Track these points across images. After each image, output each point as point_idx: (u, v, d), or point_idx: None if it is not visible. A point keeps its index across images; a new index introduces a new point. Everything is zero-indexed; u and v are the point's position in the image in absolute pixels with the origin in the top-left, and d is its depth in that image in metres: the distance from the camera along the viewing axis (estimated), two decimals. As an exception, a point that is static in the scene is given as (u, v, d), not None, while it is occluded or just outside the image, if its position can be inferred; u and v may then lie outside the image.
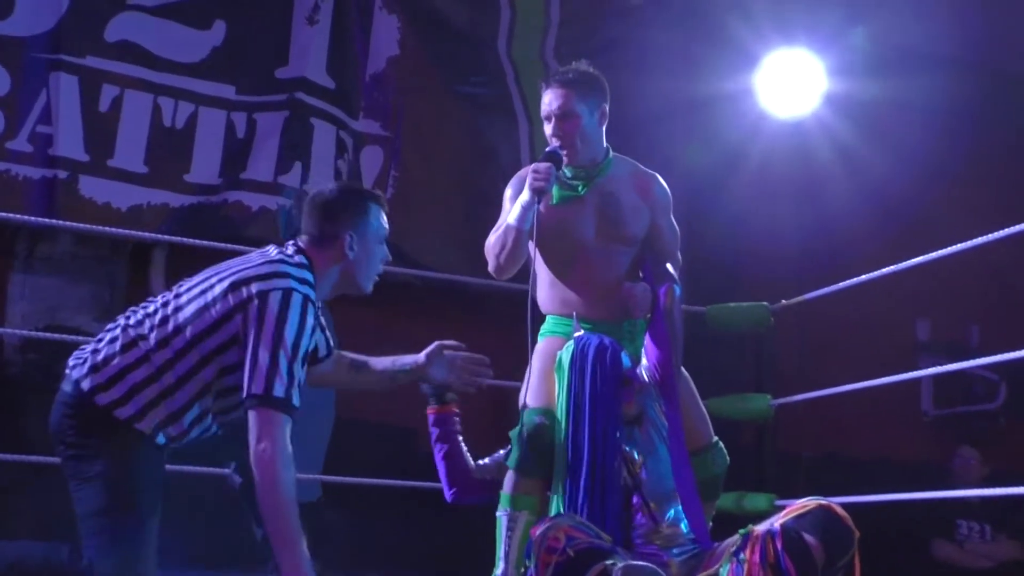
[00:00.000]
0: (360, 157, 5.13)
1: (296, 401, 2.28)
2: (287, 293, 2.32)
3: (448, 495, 2.77)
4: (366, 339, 5.39)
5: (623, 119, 5.14)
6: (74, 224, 4.33)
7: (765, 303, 4.47)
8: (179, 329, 2.31)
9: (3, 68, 4.59)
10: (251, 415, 2.26)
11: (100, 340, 2.37)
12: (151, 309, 2.38)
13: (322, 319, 2.52)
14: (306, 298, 2.34)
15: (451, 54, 5.27)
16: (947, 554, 5.30)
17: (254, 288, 2.32)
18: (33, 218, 4.29)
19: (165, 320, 2.34)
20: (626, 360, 2.71)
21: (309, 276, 2.42)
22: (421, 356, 2.76)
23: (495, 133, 5.27)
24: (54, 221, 4.36)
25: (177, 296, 2.38)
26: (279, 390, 2.25)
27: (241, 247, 3.39)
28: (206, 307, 2.32)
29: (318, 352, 2.53)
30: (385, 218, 2.58)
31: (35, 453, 3.49)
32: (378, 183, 5.13)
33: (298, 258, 2.44)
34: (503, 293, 4.42)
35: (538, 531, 2.39)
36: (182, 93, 4.79)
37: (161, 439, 2.34)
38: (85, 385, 2.30)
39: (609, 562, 2.27)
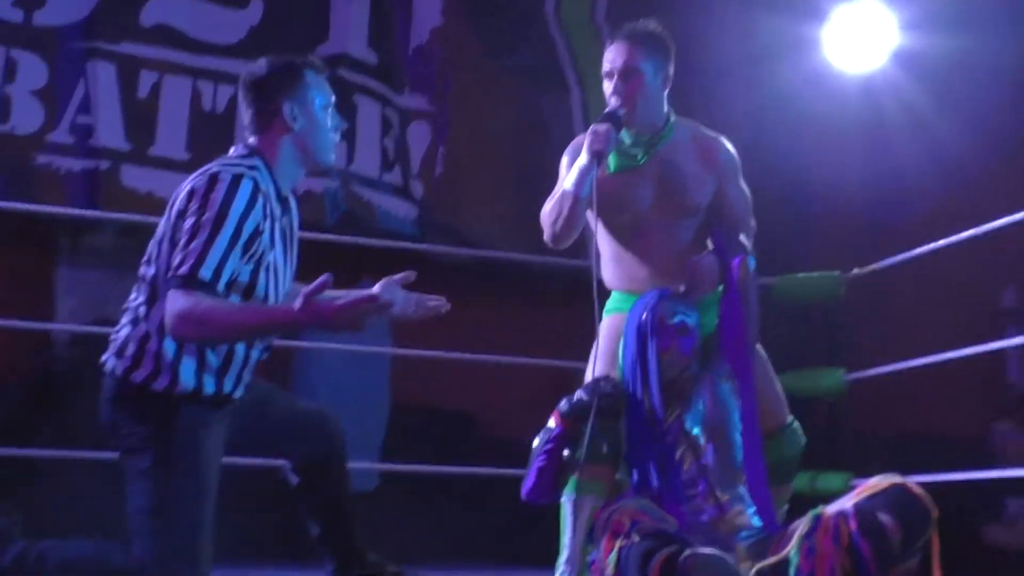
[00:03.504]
0: (407, 135, 5.09)
1: (222, 287, 2.24)
2: (237, 176, 2.30)
3: (525, 495, 2.72)
4: (426, 322, 5.44)
5: (681, 75, 5.15)
6: (117, 215, 4.36)
7: (837, 272, 4.36)
8: (155, 276, 2.32)
9: (40, 59, 4.63)
10: (170, 295, 2.22)
11: (119, 328, 2.40)
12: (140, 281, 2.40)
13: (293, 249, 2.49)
14: (255, 184, 2.31)
15: (497, 24, 5.24)
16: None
17: (199, 179, 2.32)
18: (75, 210, 4.33)
19: (143, 277, 2.37)
20: (685, 315, 2.64)
21: (257, 162, 2.39)
22: (376, 287, 2.61)
23: (545, 104, 5.22)
24: (97, 213, 4.39)
25: (147, 256, 2.39)
26: (206, 272, 2.21)
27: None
28: (162, 238, 2.34)
29: (261, 245, 2.35)
30: (325, 82, 2.53)
31: (86, 449, 3.52)
32: (426, 162, 5.12)
33: (238, 151, 2.43)
34: (560, 270, 4.39)
35: (602, 515, 2.35)
36: (221, 76, 4.81)
37: (209, 386, 2.33)
38: (118, 371, 2.33)
39: (675, 548, 2.22)
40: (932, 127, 5.59)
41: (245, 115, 2.49)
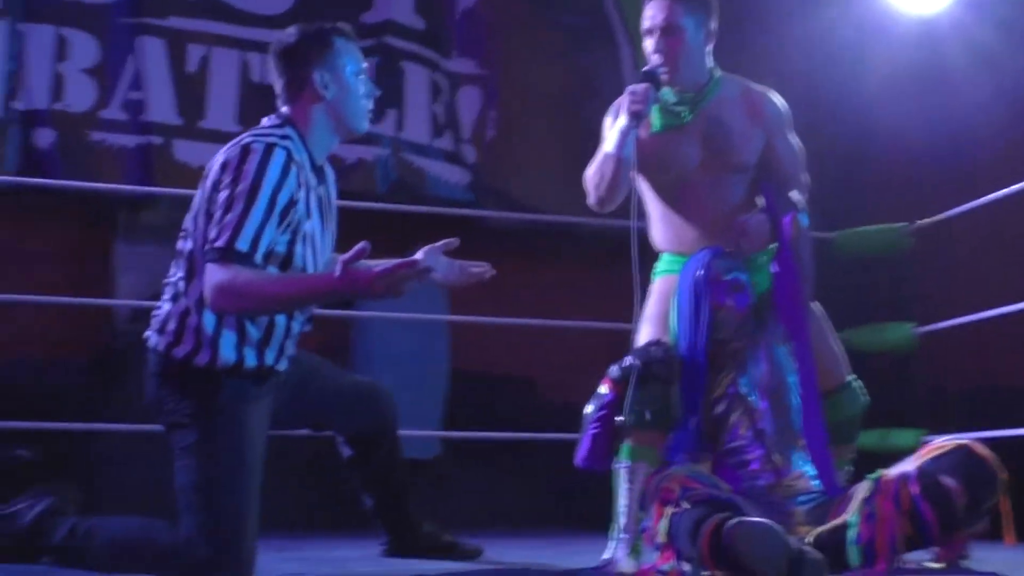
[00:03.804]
0: (456, 99, 5.05)
1: (259, 258, 2.22)
2: (269, 146, 2.29)
3: (579, 462, 2.69)
4: (483, 288, 5.42)
5: (731, 23, 5.02)
6: (171, 190, 4.37)
7: (902, 224, 4.23)
8: (192, 250, 2.32)
9: (91, 36, 4.67)
10: (208, 268, 2.20)
11: (160, 303, 2.40)
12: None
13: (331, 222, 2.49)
14: (289, 154, 2.30)
15: (546, -18, 5.13)
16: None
17: (232, 151, 2.31)
18: (131, 187, 4.37)
19: (181, 252, 2.36)
20: (739, 273, 2.58)
21: (290, 131, 2.38)
22: (418, 253, 2.62)
23: (595, 62, 5.14)
24: (151, 188, 4.41)
25: (183, 230, 2.38)
26: (242, 244, 2.20)
27: (338, 202, 3.37)
28: (197, 212, 2.34)
29: (297, 215, 2.32)
30: (356, 49, 2.50)
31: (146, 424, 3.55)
32: (477, 126, 5.07)
33: (270, 121, 2.42)
34: (614, 232, 4.31)
35: (652, 481, 2.31)
36: (269, 47, 4.78)
37: (251, 359, 2.31)
38: (160, 347, 2.33)
39: (725, 515, 2.17)
40: (1001, 68, 5.38)
41: (276, 85, 2.47)
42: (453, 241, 2.58)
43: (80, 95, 4.55)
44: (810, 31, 5.16)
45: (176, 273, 2.36)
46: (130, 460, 4.14)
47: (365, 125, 2.51)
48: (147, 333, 2.38)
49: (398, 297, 2.13)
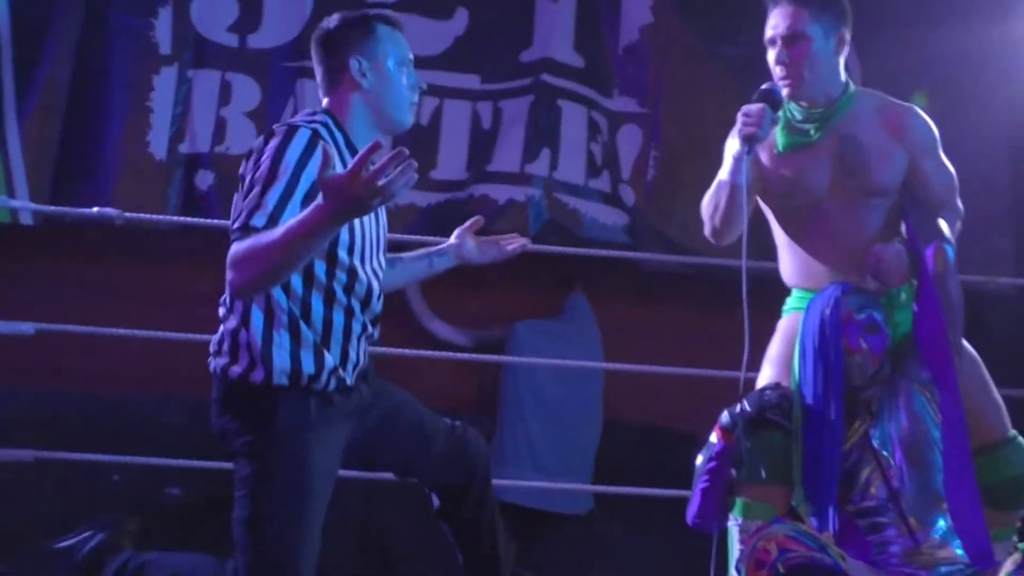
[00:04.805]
0: (616, 138, 4.88)
1: None
2: (292, 129, 2.20)
3: (690, 520, 2.46)
4: (639, 334, 5.21)
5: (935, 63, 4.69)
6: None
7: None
8: None
9: (254, 81, 4.76)
10: (230, 249, 2.06)
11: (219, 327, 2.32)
12: None
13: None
14: (315, 133, 2.18)
15: (711, 14, 4.95)
16: None
17: (257, 141, 2.24)
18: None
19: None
20: (874, 311, 2.29)
21: (323, 118, 2.27)
22: (452, 237, 2.69)
23: (760, 96, 4.84)
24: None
25: None
26: (258, 220, 2.05)
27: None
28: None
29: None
30: (401, 37, 2.36)
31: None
32: (637, 165, 4.89)
33: (303, 113, 2.35)
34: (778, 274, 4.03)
35: (749, 542, 2.05)
36: (427, 88, 4.76)
37: (308, 364, 2.18)
38: (218, 369, 2.25)
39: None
40: None
41: (317, 74, 2.38)
42: (479, 219, 2.68)
43: (240, 138, 4.65)
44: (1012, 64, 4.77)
45: (225, 290, 2.27)
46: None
47: (409, 119, 2.39)
48: (209, 359, 2.31)
49: (391, 198, 1.90)
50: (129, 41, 4.64)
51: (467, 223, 2.64)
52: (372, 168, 1.86)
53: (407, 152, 1.88)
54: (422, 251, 2.71)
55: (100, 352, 4.63)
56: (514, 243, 2.70)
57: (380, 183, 1.85)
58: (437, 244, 3.96)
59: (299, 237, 1.96)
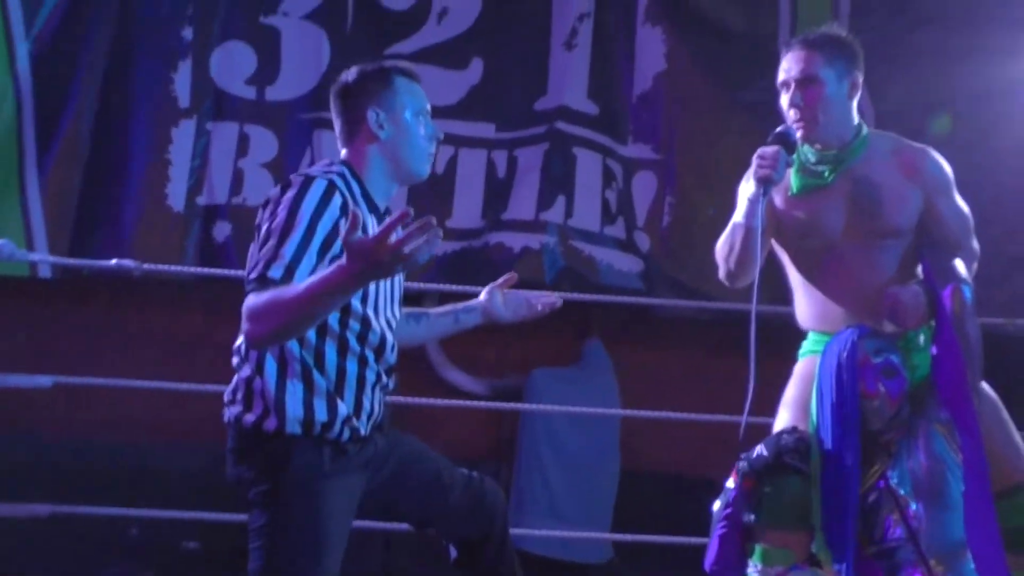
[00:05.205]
0: (631, 185, 4.90)
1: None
2: (308, 179, 2.21)
3: (708, 568, 2.43)
4: (656, 380, 5.19)
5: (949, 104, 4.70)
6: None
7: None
8: None
9: (271, 132, 4.81)
10: (245, 301, 2.07)
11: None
12: None
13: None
14: (331, 183, 2.20)
15: (726, 60, 4.98)
16: None
17: (274, 191, 2.25)
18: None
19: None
20: (890, 354, 2.28)
21: (339, 168, 2.29)
22: (482, 294, 2.66)
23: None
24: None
25: None
26: (275, 272, 2.07)
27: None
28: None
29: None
30: (419, 89, 2.38)
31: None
32: (652, 212, 4.90)
33: (320, 164, 2.36)
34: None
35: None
36: (444, 137, 4.80)
37: (321, 413, 2.19)
38: (232, 418, 2.25)
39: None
40: None
41: (336, 126, 2.40)
42: (512, 276, 2.61)
43: (257, 189, 4.68)
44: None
45: (239, 339, 2.28)
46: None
47: (426, 169, 2.41)
48: (224, 409, 2.31)
49: (417, 265, 1.93)
50: (149, 94, 4.70)
51: (499, 280, 2.60)
52: (399, 235, 1.88)
53: (434, 220, 1.91)
54: (448, 307, 2.67)
55: (118, 403, 4.64)
56: (545, 300, 2.66)
57: (406, 250, 1.87)
58: (452, 292, 4.01)
59: (319, 295, 1.98)
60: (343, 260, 1.93)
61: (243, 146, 4.77)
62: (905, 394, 2.33)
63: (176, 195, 4.70)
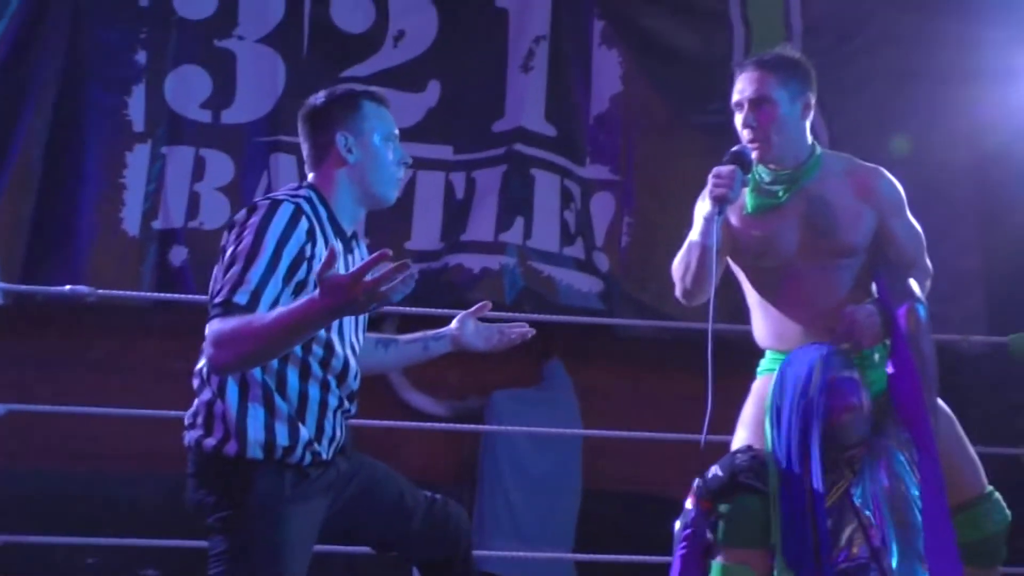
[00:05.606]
0: (590, 205, 4.93)
1: (263, 310, 2.07)
2: (274, 203, 2.19)
3: None
4: (617, 400, 5.20)
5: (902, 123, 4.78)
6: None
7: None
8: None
9: (227, 156, 4.79)
10: (208, 327, 2.06)
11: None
12: None
13: None
14: (298, 208, 2.18)
15: (681, 82, 5.03)
16: None
17: (240, 213, 2.22)
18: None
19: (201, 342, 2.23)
20: (848, 373, 2.30)
21: (306, 192, 2.27)
22: (453, 322, 2.62)
23: (733, 162, 4.91)
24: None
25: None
26: (241, 297, 2.05)
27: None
28: (212, 289, 2.21)
29: (310, 273, 2.16)
30: (387, 113, 2.38)
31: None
32: (611, 232, 4.94)
33: (287, 187, 2.34)
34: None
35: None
36: (411, 162, 4.80)
37: (282, 437, 2.17)
38: (192, 442, 2.23)
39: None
40: None
41: (303, 150, 2.39)
42: (486, 304, 2.58)
43: (214, 213, 4.66)
44: (977, 112, 4.85)
45: (200, 361, 2.27)
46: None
47: (394, 194, 2.40)
48: (184, 433, 2.29)
49: (391, 302, 1.92)
50: (102, 118, 4.67)
51: (472, 309, 2.57)
52: (374, 275, 1.88)
53: (410, 263, 1.91)
54: (418, 335, 2.64)
55: (73, 431, 4.59)
56: (518, 330, 2.63)
57: (382, 289, 1.87)
58: (411, 314, 4.00)
59: (289, 326, 1.99)
60: (315, 294, 1.93)
61: (199, 170, 4.74)
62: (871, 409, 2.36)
63: (131, 220, 4.66)
